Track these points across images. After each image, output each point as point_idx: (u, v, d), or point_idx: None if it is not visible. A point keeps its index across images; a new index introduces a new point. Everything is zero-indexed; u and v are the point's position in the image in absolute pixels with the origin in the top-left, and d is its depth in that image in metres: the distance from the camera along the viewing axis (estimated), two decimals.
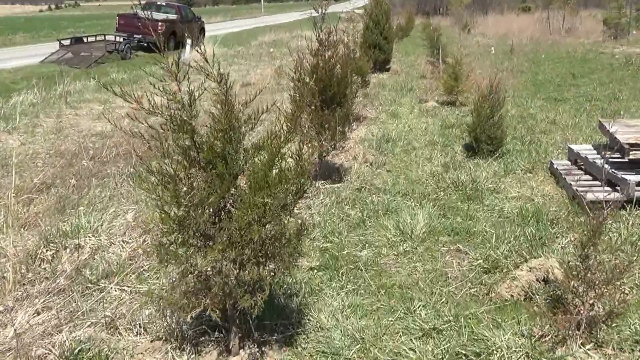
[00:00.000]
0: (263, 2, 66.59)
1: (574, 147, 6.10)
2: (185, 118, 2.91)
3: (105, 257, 4.46)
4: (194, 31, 24.85)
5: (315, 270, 4.15)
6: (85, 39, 20.98)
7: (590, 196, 4.99)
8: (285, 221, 2.95)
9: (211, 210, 2.90)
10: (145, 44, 22.55)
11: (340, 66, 5.99)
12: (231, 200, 2.92)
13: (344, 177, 6.31)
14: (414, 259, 4.35)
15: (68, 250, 4.56)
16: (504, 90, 11.06)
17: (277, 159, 2.90)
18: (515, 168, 6.34)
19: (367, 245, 4.60)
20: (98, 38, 21.47)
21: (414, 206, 5.37)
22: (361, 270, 4.14)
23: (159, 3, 29.17)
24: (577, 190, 5.20)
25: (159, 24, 22.75)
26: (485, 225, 4.82)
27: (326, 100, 5.84)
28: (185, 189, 2.83)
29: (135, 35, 22.20)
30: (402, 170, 6.57)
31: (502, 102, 6.66)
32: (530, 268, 3.83)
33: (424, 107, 10.20)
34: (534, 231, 4.58)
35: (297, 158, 2.87)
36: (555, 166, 6.01)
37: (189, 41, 20.83)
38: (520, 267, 3.95)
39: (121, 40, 21.40)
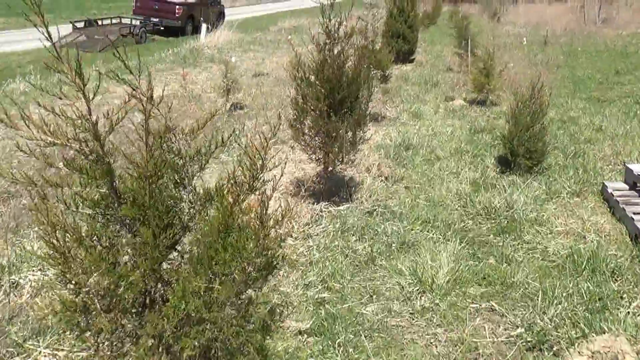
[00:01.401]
0: None
1: (634, 167, 5.02)
2: (100, 153, 1.97)
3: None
4: (213, 15, 23.95)
5: (305, 336, 3.19)
6: (99, 22, 20.20)
7: None
8: (246, 310, 2.00)
9: (135, 293, 1.96)
10: (162, 28, 21.88)
11: (352, 63, 4.99)
12: (164, 282, 1.98)
13: (354, 196, 5.32)
14: (434, 320, 3.36)
15: (2, 290, 3.67)
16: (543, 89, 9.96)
17: (235, 219, 1.94)
18: (559, 190, 5.27)
19: (374, 296, 3.62)
20: (113, 21, 20.72)
21: (436, 240, 4.38)
22: (364, 337, 3.17)
23: None
24: None
25: (177, 7, 22.04)
26: (527, 275, 3.80)
27: (334, 104, 4.85)
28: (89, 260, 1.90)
29: (152, 19, 21.56)
30: (422, 187, 5.56)
31: (545, 108, 5.60)
32: (593, 353, 2.83)
33: (450, 106, 9.14)
34: (591, 287, 3.55)
35: (259, 225, 1.89)
36: (609, 190, 4.95)
37: (204, 26, 19.98)
38: (577, 346, 2.94)
39: (137, 23, 20.67)
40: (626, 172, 5.10)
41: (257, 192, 1.98)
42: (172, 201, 2.00)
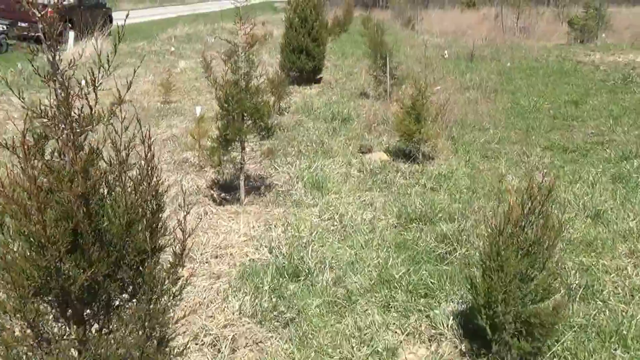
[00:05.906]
0: None
1: None
2: None
3: None
4: (96, 19, 20.17)
5: None
6: None
7: None
8: None
9: None
10: (32, 35, 18.21)
11: (133, 183, 1.99)
12: None
13: None
14: None
15: None
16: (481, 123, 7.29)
17: None
18: None
19: None
20: None
21: None
22: None
23: None
24: None
25: (48, 9, 18.19)
26: None
27: (78, 291, 1.85)
28: None
29: (20, 23, 17.78)
30: None
31: (557, 233, 2.83)
32: None
33: (366, 164, 6.29)
34: None
35: None
36: None
37: (71, 33, 16.47)
38: None
39: (1, 28, 17.00)
40: None
41: None
42: None
